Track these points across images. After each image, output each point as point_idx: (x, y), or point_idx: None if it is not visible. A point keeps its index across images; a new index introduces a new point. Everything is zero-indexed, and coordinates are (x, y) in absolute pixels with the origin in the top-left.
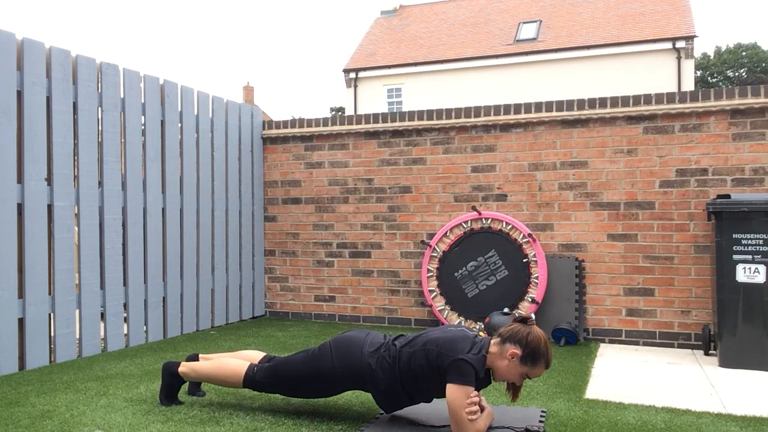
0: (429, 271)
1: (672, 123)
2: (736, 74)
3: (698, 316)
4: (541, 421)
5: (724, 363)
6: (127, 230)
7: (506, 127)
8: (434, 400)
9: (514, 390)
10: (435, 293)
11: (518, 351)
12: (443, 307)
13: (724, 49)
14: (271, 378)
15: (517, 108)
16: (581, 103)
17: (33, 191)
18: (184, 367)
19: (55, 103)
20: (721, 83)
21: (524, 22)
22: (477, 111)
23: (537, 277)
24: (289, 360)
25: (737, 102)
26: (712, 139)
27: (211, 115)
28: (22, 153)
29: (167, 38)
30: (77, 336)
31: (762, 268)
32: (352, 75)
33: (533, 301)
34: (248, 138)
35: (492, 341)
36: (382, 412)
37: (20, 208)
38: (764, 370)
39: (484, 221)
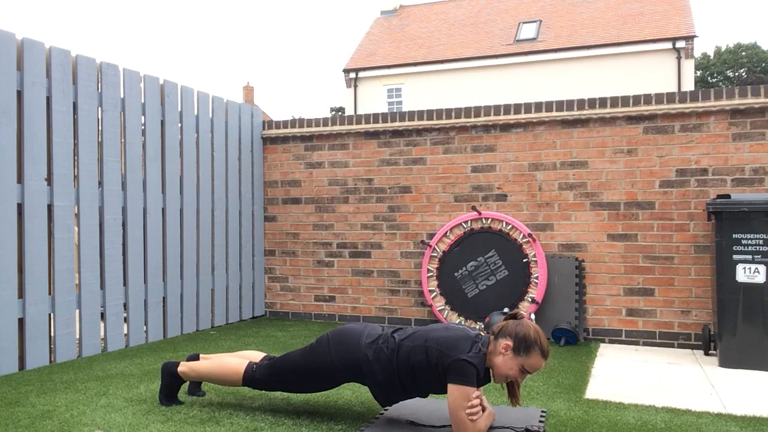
0: (429, 271)
1: (672, 123)
2: (736, 74)
3: (698, 316)
4: (541, 421)
5: (724, 363)
6: (127, 230)
7: (506, 127)
8: (435, 399)
9: (513, 392)
10: (435, 293)
11: (510, 342)
12: (443, 307)
13: (724, 49)
14: (270, 374)
15: (517, 108)
16: (581, 103)
17: (33, 191)
18: (184, 367)
19: (55, 103)
20: (721, 83)
21: (524, 22)
22: (477, 111)
23: (537, 277)
24: (287, 355)
25: (737, 102)
26: (712, 139)
27: (211, 115)
28: (22, 153)
29: (167, 38)
30: (77, 336)
31: (762, 268)
32: (352, 75)
33: (533, 301)
34: (248, 138)
35: (489, 339)
36: (382, 412)
37: (20, 208)
38: (764, 370)
39: (484, 221)
